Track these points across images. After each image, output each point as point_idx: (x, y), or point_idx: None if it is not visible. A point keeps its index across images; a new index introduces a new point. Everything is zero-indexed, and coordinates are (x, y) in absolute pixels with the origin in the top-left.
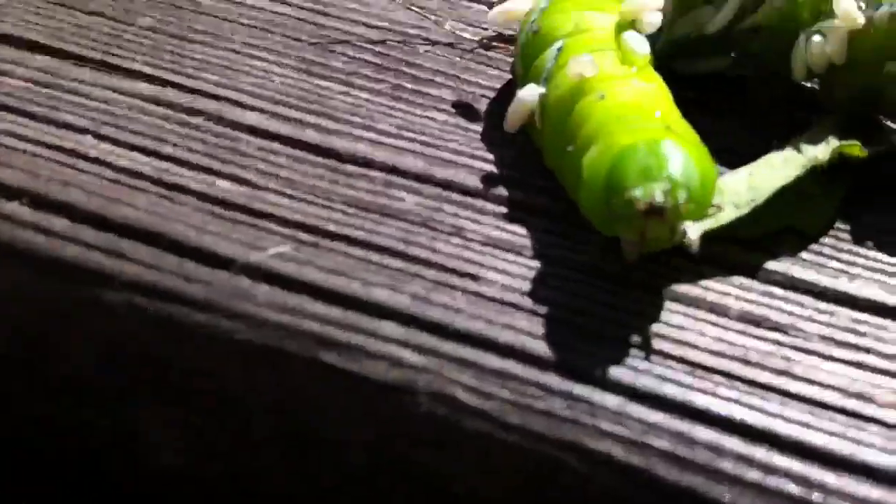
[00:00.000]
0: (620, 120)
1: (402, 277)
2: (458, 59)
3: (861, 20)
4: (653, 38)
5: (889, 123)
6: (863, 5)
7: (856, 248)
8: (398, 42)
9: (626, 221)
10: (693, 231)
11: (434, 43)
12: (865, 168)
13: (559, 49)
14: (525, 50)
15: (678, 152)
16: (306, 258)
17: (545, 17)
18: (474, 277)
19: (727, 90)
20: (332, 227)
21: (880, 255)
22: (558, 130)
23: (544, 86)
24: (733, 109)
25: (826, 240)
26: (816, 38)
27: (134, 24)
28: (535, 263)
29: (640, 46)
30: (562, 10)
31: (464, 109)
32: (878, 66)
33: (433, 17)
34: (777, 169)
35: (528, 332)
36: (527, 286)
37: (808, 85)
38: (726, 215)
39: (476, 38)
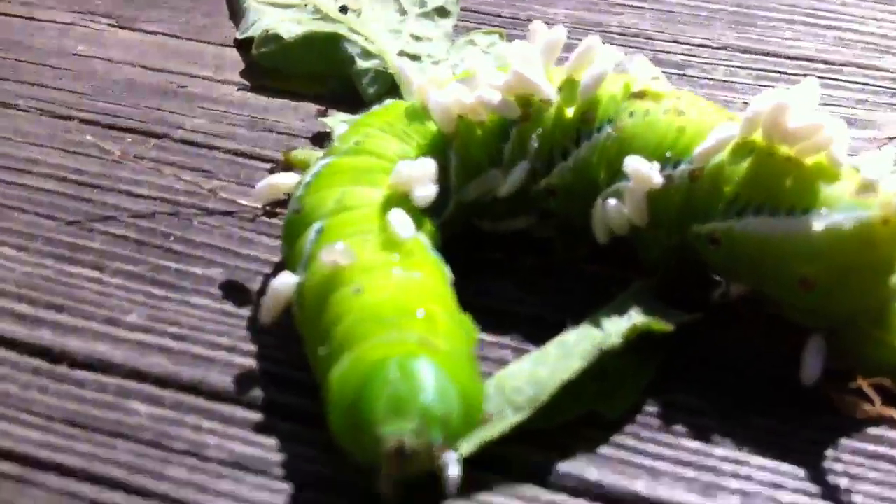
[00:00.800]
0: (375, 323)
1: None
2: (235, 229)
3: (658, 180)
4: (445, 201)
5: (717, 278)
6: (656, 164)
7: (662, 437)
8: (169, 214)
9: (376, 457)
10: (453, 466)
11: (210, 213)
12: (681, 340)
13: (318, 231)
14: (288, 230)
15: (433, 376)
16: (7, 497)
17: (308, 194)
18: None
19: (537, 251)
20: (43, 455)
21: (687, 443)
22: (313, 326)
23: (302, 273)
24: (542, 272)
25: (629, 427)
26: (612, 201)
27: None
28: (285, 486)
29: (403, 229)
30: (326, 185)
31: (233, 291)
32: (683, 226)
33: (207, 186)
34: (566, 356)
35: None
36: None
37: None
38: (502, 424)
39: (259, 205)
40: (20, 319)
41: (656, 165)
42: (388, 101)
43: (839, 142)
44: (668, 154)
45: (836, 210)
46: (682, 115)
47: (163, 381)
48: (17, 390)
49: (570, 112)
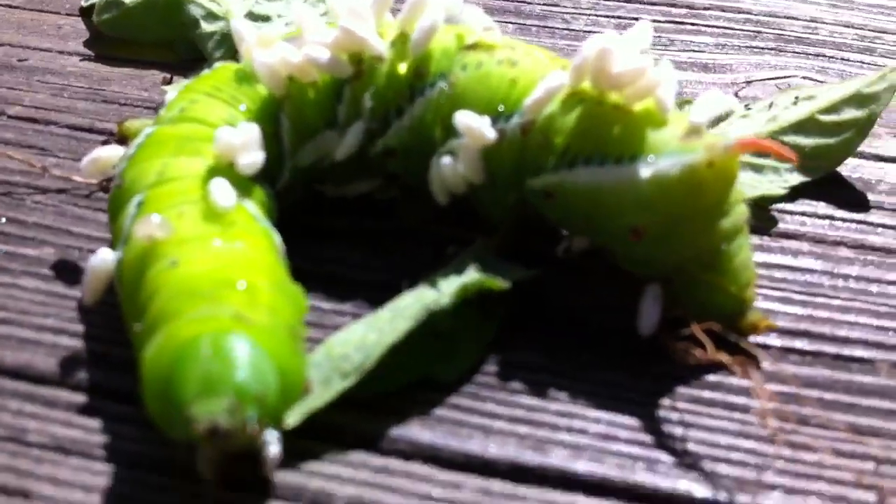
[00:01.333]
0: (190, 297)
1: None
2: (70, 207)
3: (490, 135)
4: (280, 168)
5: (563, 233)
6: (487, 120)
7: (500, 395)
8: (1, 195)
9: (192, 436)
10: (273, 444)
11: (44, 191)
12: (525, 296)
13: (138, 205)
14: (112, 205)
15: (247, 353)
16: None
17: (129, 168)
18: (25, 495)
19: (382, 214)
20: None
21: (525, 400)
22: (131, 303)
23: (122, 249)
24: (386, 236)
25: (468, 389)
26: (446, 159)
27: None
28: (107, 467)
29: (224, 198)
30: (147, 157)
31: (65, 271)
32: (520, 182)
33: (38, 164)
34: (396, 318)
35: None
36: (90, 499)
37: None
38: (328, 392)
39: (95, 181)
40: None
41: (487, 120)
42: (218, 65)
43: (666, 86)
44: (501, 108)
45: (663, 156)
46: (515, 66)
47: None
48: None
49: (402, 68)
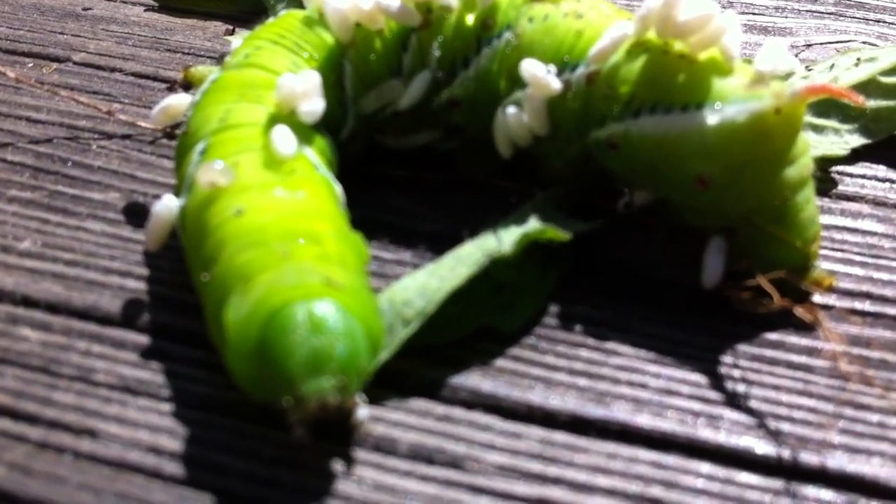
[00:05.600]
0: (262, 251)
1: (2, 442)
2: (134, 152)
3: (556, 85)
4: (344, 116)
5: (624, 189)
6: (552, 68)
7: (560, 348)
8: (67, 139)
9: (291, 408)
10: (362, 408)
11: (109, 136)
12: (585, 249)
13: (201, 152)
14: (178, 152)
15: (344, 324)
16: None
17: (195, 113)
18: (92, 434)
19: (441, 166)
20: None
21: (584, 353)
22: (195, 248)
23: (185, 195)
24: (445, 187)
25: (528, 340)
26: (512, 109)
27: None
28: (172, 407)
29: (285, 146)
30: (211, 102)
31: (131, 216)
32: (584, 133)
33: (105, 109)
34: (458, 266)
35: (145, 501)
36: (157, 439)
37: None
38: (393, 341)
39: (159, 127)
40: None
41: (553, 69)
42: (283, 12)
43: (731, 34)
44: (566, 58)
45: (730, 103)
46: (580, 19)
47: (54, 307)
48: None
49: (470, 19)
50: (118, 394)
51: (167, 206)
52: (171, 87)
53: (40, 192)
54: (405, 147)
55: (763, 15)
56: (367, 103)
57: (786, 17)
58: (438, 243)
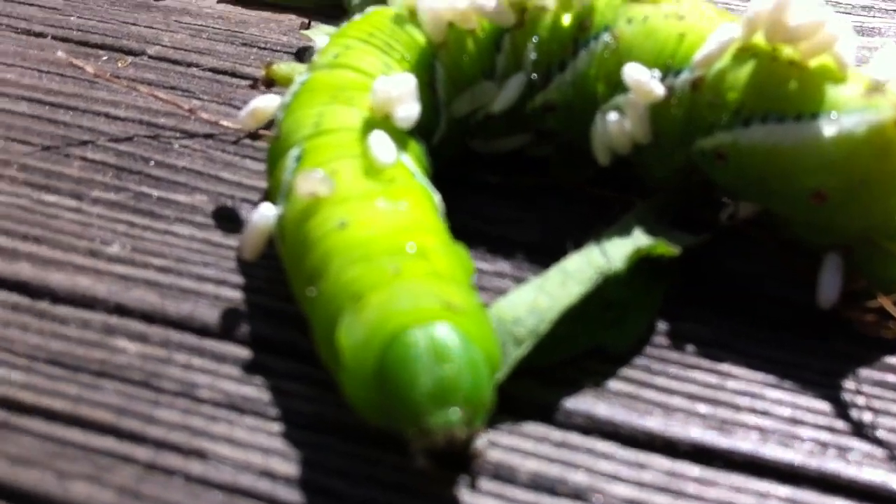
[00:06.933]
0: (369, 267)
1: (108, 463)
2: (218, 153)
3: (659, 91)
4: (436, 119)
5: (725, 199)
6: (657, 73)
7: (672, 369)
8: (149, 137)
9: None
10: (482, 438)
11: (191, 135)
12: (689, 263)
13: (296, 158)
14: (270, 157)
15: (468, 352)
16: None
17: (286, 117)
18: (201, 455)
19: (533, 171)
20: (27, 398)
21: (699, 375)
22: (295, 260)
23: (282, 203)
24: (539, 194)
25: (639, 360)
26: (613, 115)
27: None
28: (281, 427)
29: (384, 153)
30: (303, 105)
31: (220, 219)
32: (689, 142)
33: (186, 106)
34: (567, 282)
35: None
36: (269, 462)
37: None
38: (507, 362)
39: (241, 127)
40: None
41: (657, 74)
42: (371, 9)
43: (844, 40)
44: (669, 63)
45: (845, 113)
46: (682, 20)
47: (149, 317)
48: None
49: (566, 20)
50: (224, 411)
51: (265, 215)
52: (254, 85)
53: (125, 193)
54: (495, 151)
55: (850, 14)
56: (459, 106)
57: (873, 16)
58: (536, 253)
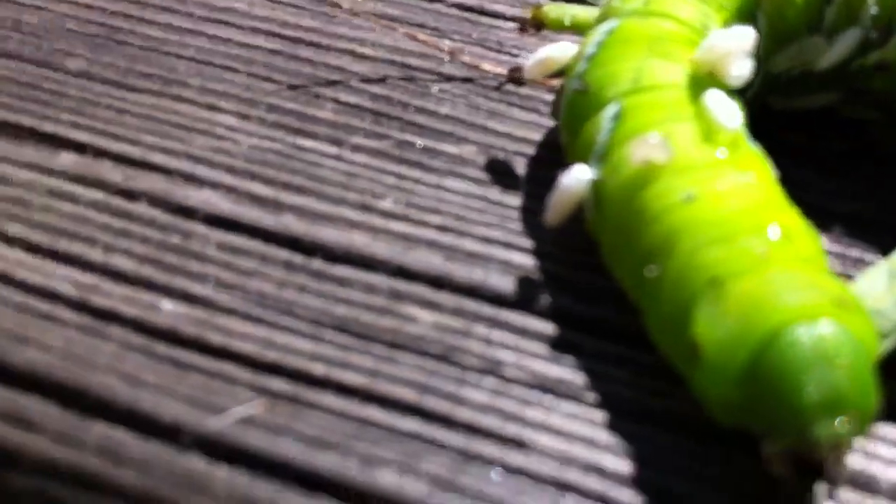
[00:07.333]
0: (731, 249)
1: (417, 449)
2: (481, 99)
3: None
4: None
5: None
6: None
7: None
8: (403, 80)
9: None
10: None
11: (449, 79)
12: None
13: (614, 117)
14: (570, 112)
15: (862, 357)
16: (283, 423)
17: (593, 69)
18: (520, 444)
19: (838, 133)
20: (318, 370)
21: None
22: (622, 232)
23: (596, 166)
24: (851, 161)
25: None
26: None
27: (61, 67)
28: (602, 415)
29: (729, 117)
30: (615, 57)
31: (494, 174)
32: None
33: (446, 47)
34: None
35: None
36: (597, 457)
37: None
38: None
39: (504, 71)
40: (259, 203)
41: None
42: None
43: None
44: None
45: None
46: None
47: (437, 282)
48: (272, 289)
49: None
50: (537, 394)
51: (579, 178)
52: (523, 28)
53: (387, 140)
54: (796, 108)
55: None
56: (779, 61)
57: None
58: (856, 227)
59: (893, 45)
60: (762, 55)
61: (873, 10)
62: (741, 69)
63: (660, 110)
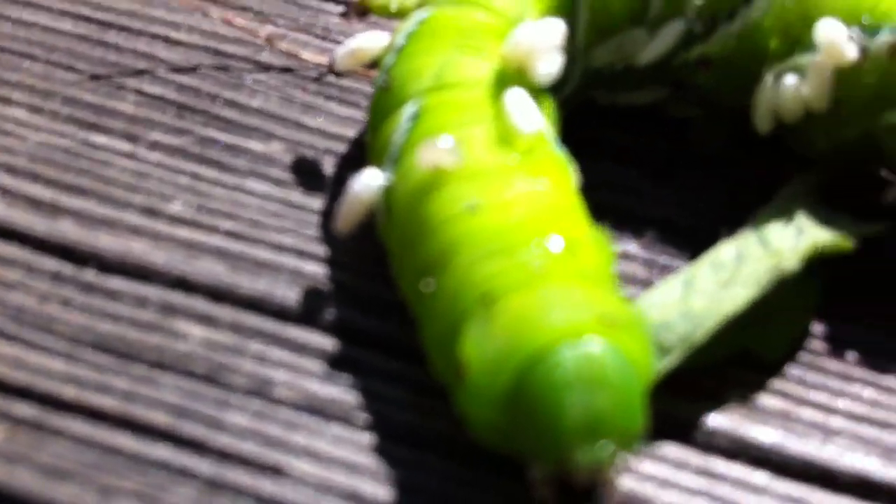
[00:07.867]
0: (507, 263)
1: (162, 480)
2: (297, 92)
3: (852, 54)
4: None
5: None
6: (853, 34)
7: (833, 382)
8: (216, 69)
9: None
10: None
11: (266, 68)
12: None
13: (412, 117)
14: (374, 110)
15: (625, 377)
16: (22, 451)
17: (399, 63)
18: (276, 472)
19: (664, 132)
20: (69, 394)
21: (864, 391)
22: (406, 243)
23: (390, 170)
24: (673, 161)
25: (793, 370)
26: (790, 78)
27: None
28: (370, 439)
29: (527, 121)
30: (422, 51)
31: (299, 174)
32: (873, 114)
33: (264, 35)
34: (727, 282)
35: None
36: (357, 483)
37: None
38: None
39: (325, 61)
40: (35, 207)
41: (855, 34)
42: None
43: None
44: (865, 20)
45: None
46: None
47: (217, 294)
48: (33, 304)
49: None
50: (305, 416)
51: (368, 184)
52: (345, 14)
53: (188, 137)
54: (621, 105)
55: None
56: (600, 55)
57: None
58: (668, 233)
59: (716, 40)
60: (582, 48)
61: (698, 1)
62: (549, 66)
63: (458, 111)
